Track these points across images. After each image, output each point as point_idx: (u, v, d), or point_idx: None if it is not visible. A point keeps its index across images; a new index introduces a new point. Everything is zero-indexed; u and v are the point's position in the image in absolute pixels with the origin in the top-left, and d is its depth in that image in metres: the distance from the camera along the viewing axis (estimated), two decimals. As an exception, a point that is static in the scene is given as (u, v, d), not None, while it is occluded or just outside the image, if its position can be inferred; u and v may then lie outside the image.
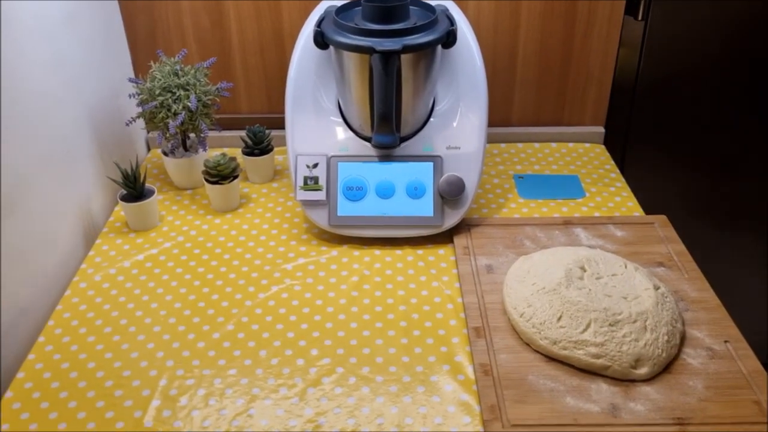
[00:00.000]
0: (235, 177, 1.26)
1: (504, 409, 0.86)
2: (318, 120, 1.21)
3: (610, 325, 0.91)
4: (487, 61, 1.36)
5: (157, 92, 1.21)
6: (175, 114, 1.22)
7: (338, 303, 1.06)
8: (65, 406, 0.89)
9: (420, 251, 1.17)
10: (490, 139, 1.49)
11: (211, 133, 1.39)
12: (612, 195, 1.32)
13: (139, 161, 1.42)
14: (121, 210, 1.24)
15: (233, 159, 1.27)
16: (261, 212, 1.28)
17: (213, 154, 1.26)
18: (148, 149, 1.50)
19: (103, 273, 1.13)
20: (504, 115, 1.49)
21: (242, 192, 1.33)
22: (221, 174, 1.24)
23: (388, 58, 1.05)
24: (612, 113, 1.51)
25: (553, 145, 1.49)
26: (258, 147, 1.34)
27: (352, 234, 1.18)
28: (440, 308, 1.05)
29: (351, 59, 1.12)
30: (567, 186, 1.34)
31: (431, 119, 1.21)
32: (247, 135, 1.34)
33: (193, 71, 1.25)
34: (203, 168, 1.25)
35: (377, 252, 1.17)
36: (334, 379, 0.93)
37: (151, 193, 1.23)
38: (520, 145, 1.49)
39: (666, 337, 0.92)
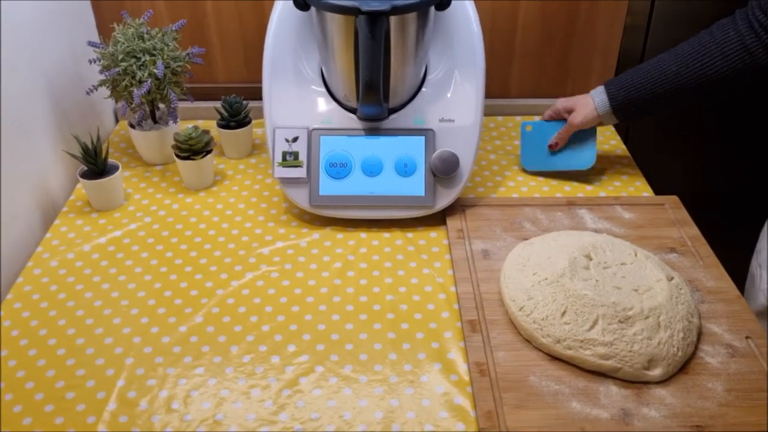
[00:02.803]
0: (208, 152, 1.15)
1: (502, 415, 0.77)
2: (298, 89, 1.10)
3: (619, 321, 0.82)
4: (484, 27, 1.24)
5: (120, 57, 1.10)
6: (140, 82, 1.10)
7: (319, 292, 0.96)
8: (9, 410, 0.79)
9: (410, 234, 1.07)
10: (487, 112, 1.37)
11: (185, 105, 1.28)
12: (618, 173, 1.22)
13: (101, 134, 1.31)
14: (83, 188, 1.13)
15: (206, 132, 1.16)
16: (237, 190, 1.17)
17: (186, 126, 1.15)
18: (117, 120, 1.39)
19: (60, 258, 1.02)
20: (502, 86, 1.38)
21: (217, 168, 1.22)
22: (193, 149, 1.13)
23: (375, 20, 0.94)
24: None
25: (555, 118, 1.38)
26: (234, 119, 1.23)
27: (336, 215, 1.08)
28: (431, 298, 0.95)
29: (334, 21, 1.00)
30: (580, 146, 1.17)
31: (423, 89, 1.10)
32: (222, 106, 1.23)
33: (160, 35, 1.13)
34: (173, 142, 1.14)
35: (363, 235, 1.07)
36: (313, 379, 0.83)
37: (114, 169, 1.12)
38: (518, 118, 1.38)
39: (681, 334, 0.83)
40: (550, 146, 1.16)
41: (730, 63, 0.97)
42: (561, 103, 1.15)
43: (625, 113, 1.08)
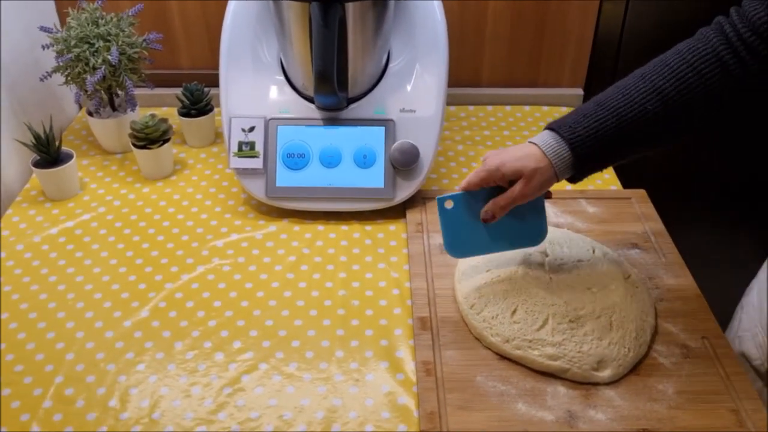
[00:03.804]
0: (166, 141, 1.13)
1: (445, 416, 0.75)
2: (256, 77, 1.07)
3: (570, 321, 0.80)
4: (453, 13, 1.22)
5: (73, 43, 1.07)
6: (94, 68, 1.07)
7: (270, 287, 0.94)
8: (-58, 407, 0.78)
9: (368, 227, 1.05)
10: (457, 101, 1.35)
11: (147, 91, 1.25)
12: (587, 165, 1.19)
13: (63, 120, 1.28)
14: (37, 177, 1.10)
15: (164, 120, 1.13)
16: (196, 180, 1.15)
17: (149, 113, 1.13)
18: (80, 107, 1.36)
19: (9, 249, 1.00)
20: (472, 75, 1.35)
21: (177, 157, 1.20)
22: (149, 137, 1.11)
23: (329, 8, 0.91)
24: (593, 74, 1.37)
25: (527, 108, 1.35)
26: (195, 107, 1.20)
27: (293, 207, 1.06)
28: (385, 294, 0.93)
29: (290, 9, 0.97)
30: (522, 214, 0.83)
31: (384, 78, 1.07)
32: (183, 93, 1.20)
33: (115, 20, 1.10)
34: (129, 131, 1.12)
35: (320, 228, 1.05)
36: (256, 377, 0.81)
37: (68, 157, 1.09)
38: (489, 108, 1.35)
39: (634, 334, 0.80)
40: (484, 219, 0.81)
41: (709, 87, 0.73)
42: (493, 160, 0.80)
43: (585, 168, 0.79)
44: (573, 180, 0.81)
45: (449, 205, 0.83)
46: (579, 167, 0.79)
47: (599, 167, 0.80)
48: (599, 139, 0.76)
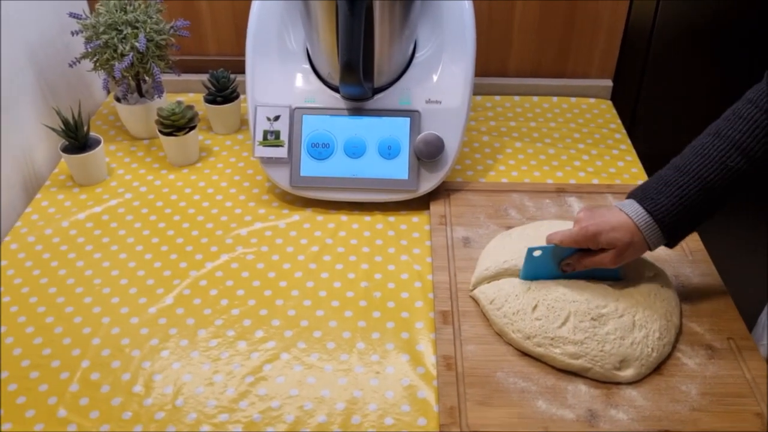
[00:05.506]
0: (192, 128, 1.13)
1: (464, 412, 0.75)
2: (283, 66, 1.07)
3: (592, 319, 0.79)
4: (481, 2, 1.20)
5: (101, 30, 1.07)
6: (122, 55, 1.08)
7: (293, 276, 0.95)
8: (-27, 388, 0.79)
9: (391, 218, 1.05)
10: (484, 91, 1.34)
11: (174, 78, 1.26)
12: (615, 159, 1.17)
13: (92, 105, 1.30)
14: (65, 162, 1.12)
15: (190, 107, 1.14)
16: (221, 168, 1.16)
17: (176, 100, 1.13)
18: (108, 93, 1.37)
19: (38, 233, 1.02)
20: (500, 65, 1.34)
21: (203, 144, 1.20)
22: (176, 124, 1.11)
23: (355, -3, 0.91)
24: (622, 65, 1.34)
25: (554, 99, 1.34)
26: (221, 94, 1.20)
27: (316, 196, 1.06)
28: (407, 286, 0.93)
29: (316, -4, 0.97)
30: (598, 271, 0.84)
31: (410, 68, 1.07)
32: (209, 80, 1.20)
33: (143, 7, 1.11)
34: (156, 117, 1.12)
35: (343, 218, 1.05)
36: (278, 366, 0.82)
37: (96, 143, 1.10)
38: (516, 98, 1.34)
39: (657, 334, 0.79)
40: (563, 270, 0.84)
41: None
42: (590, 226, 0.78)
43: (676, 236, 0.80)
44: (668, 246, 0.81)
45: (537, 254, 0.83)
46: (670, 236, 0.79)
47: (690, 231, 0.80)
48: (685, 206, 0.76)
